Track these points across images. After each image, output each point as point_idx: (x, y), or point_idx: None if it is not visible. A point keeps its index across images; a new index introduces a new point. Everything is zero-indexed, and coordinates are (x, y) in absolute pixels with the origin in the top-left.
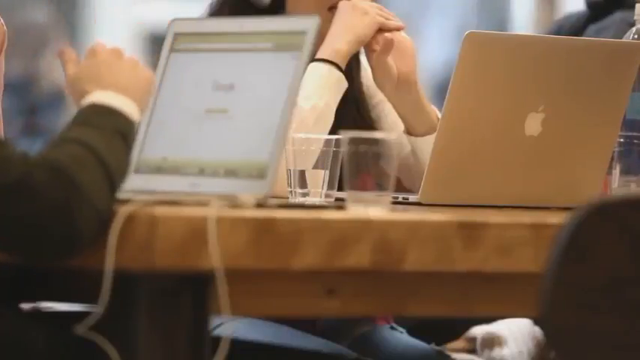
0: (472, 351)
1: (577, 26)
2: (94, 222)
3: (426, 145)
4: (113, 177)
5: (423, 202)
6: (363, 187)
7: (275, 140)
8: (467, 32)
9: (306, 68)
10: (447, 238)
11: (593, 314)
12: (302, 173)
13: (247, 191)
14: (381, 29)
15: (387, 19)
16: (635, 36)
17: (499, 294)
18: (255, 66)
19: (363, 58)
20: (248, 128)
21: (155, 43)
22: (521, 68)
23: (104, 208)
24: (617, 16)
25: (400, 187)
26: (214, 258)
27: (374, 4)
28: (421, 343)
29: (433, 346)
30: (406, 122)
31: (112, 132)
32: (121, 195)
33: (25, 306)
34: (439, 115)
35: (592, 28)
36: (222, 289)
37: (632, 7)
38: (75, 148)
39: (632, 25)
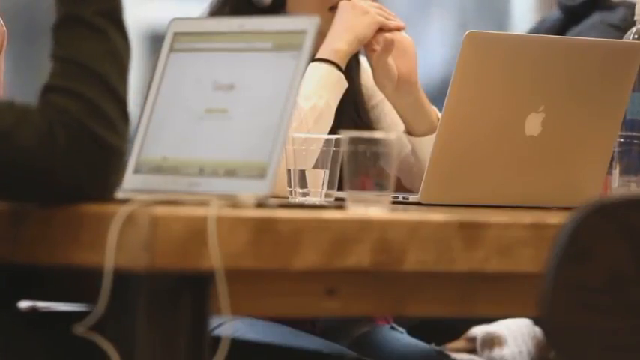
0: (472, 351)
1: (553, 31)
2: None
3: (426, 145)
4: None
5: (423, 202)
6: (362, 187)
7: (275, 140)
8: (467, 32)
9: (306, 68)
10: (447, 238)
11: (593, 314)
12: (302, 173)
13: (247, 191)
14: (382, 29)
15: (387, 18)
16: (635, 36)
17: (499, 294)
18: (255, 66)
19: (363, 59)
20: (248, 128)
21: (155, 42)
22: (521, 68)
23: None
24: (596, 17)
25: (400, 187)
26: (214, 258)
27: (374, 3)
28: (421, 343)
29: (433, 346)
30: (406, 122)
31: (103, 24)
32: (121, 195)
33: (24, 306)
34: (439, 115)
35: (571, 32)
36: (222, 289)
37: (609, 8)
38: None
39: (612, 25)
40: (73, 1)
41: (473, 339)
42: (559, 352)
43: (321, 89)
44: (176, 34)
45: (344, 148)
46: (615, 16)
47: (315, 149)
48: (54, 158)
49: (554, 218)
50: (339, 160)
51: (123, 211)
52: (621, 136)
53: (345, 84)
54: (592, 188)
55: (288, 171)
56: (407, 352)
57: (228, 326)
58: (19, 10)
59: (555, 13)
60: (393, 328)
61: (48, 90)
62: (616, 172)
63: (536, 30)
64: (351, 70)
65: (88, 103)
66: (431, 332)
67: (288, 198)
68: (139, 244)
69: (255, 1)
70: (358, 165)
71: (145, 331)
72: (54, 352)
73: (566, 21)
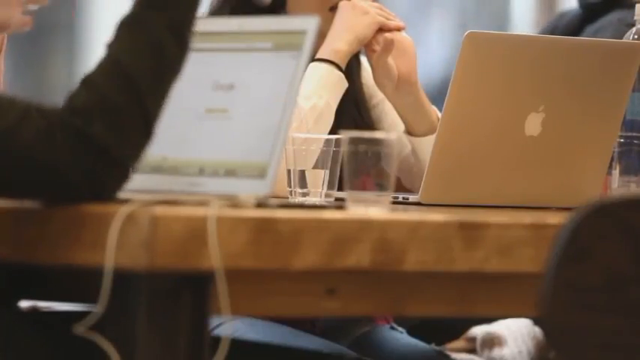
0: (472, 351)
1: (572, 27)
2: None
3: (426, 145)
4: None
5: (423, 202)
6: (363, 187)
7: (275, 140)
8: (467, 32)
9: (306, 68)
10: (447, 238)
11: (593, 314)
12: (302, 173)
13: (247, 191)
14: (382, 29)
15: (387, 18)
16: (635, 36)
17: (499, 294)
18: (255, 66)
19: (363, 59)
20: (248, 128)
21: None
22: (521, 68)
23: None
24: (614, 16)
25: (400, 187)
26: (214, 258)
27: (374, 3)
28: (421, 343)
29: (433, 346)
30: (406, 122)
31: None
32: (121, 195)
33: (24, 305)
34: (439, 115)
35: (589, 29)
36: (222, 289)
37: (629, 7)
38: (106, 86)
39: (629, 24)
40: (148, 5)
41: (473, 339)
42: (559, 352)
43: (321, 89)
44: None
45: (344, 148)
46: (634, 16)
47: (315, 149)
48: (51, 157)
49: (554, 218)
50: (339, 160)
51: (123, 211)
52: (621, 136)
53: (345, 84)
54: (592, 188)
55: (288, 171)
56: (407, 352)
57: (228, 326)
58: None
59: (574, 9)
60: (393, 328)
61: (83, 79)
62: (616, 172)
63: (554, 26)
64: (351, 69)
65: (105, 105)
66: (431, 332)
67: (288, 198)
68: (139, 244)
69: (255, 1)
70: (358, 165)
71: (145, 331)
72: (54, 352)
73: (585, 17)
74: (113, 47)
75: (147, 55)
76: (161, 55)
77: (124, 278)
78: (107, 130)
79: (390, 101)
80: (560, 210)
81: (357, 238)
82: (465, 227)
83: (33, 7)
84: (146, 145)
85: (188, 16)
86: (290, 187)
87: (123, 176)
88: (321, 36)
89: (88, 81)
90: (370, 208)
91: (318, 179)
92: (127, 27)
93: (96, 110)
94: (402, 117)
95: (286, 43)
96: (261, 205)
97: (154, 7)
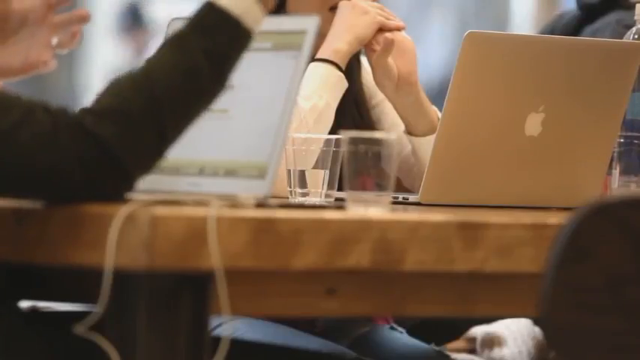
0: (472, 351)
1: (570, 27)
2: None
3: (426, 145)
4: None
5: (423, 202)
6: (362, 187)
7: (275, 140)
8: (467, 32)
9: (306, 68)
10: (447, 238)
11: (593, 314)
12: (302, 173)
13: (247, 191)
14: (382, 29)
15: (387, 18)
16: (635, 36)
17: (499, 294)
18: (254, 66)
19: (363, 59)
20: (248, 128)
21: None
22: (521, 68)
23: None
24: (612, 17)
25: (400, 187)
26: (214, 258)
27: (374, 3)
28: (421, 343)
29: (433, 346)
30: (406, 122)
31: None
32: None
33: (24, 305)
34: (439, 115)
35: (587, 29)
36: (222, 289)
37: (627, 8)
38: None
39: (627, 26)
40: (195, 28)
41: (473, 339)
42: (559, 352)
43: (321, 89)
44: None
45: (344, 148)
46: (632, 17)
47: (315, 149)
48: (53, 156)
49: (554, 218)
50: (339, 160)
51: (123, 211)
52: (621, 136)
53: (345, 84)
54: (592, 188)
55: (288, 171)
56: (406, 352)
57: (228, 326)
58: None
59: (573, 10)
60: (392, 328)
61: (110, 84)
62: (616, 172)
63: (552, 27)
64: (351, 69)
65: (122, 112)
66: (431, 332)
67: (288, 198)
68: (139, 244)
69: None
70: (358, 165)
71: (145, 331)
72: (54, 352)
73: (584, 18)
74: (150, 61)
75: (178, 76)
76: (193, 79)
77: (124, 278)
78: (117, 135)
79: (390, 101)
80: (560, 210)
81: (357, 238)
82: (464, 227)
83: (63, 51)
84: (155, 162)
85: (232, 50)
86: (290, 187)
87: (125, 184)
88: (321, 36)
89: (114, 87)
90: (370, 208)
91: (318, 179)
92: (168, 45)
93: (111, 113)
94: (402, 117)
95: (286, 43)
96: (261, 205)
97: (201, 32)
